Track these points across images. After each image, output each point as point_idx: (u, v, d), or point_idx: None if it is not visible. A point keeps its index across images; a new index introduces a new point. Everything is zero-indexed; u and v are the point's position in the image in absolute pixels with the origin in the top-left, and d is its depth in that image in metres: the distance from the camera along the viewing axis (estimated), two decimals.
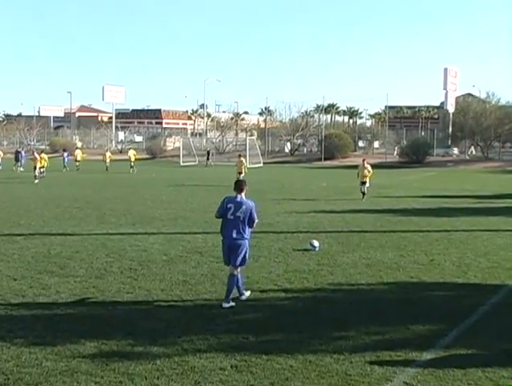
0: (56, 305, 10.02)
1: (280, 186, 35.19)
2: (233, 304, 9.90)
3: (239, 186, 10.26)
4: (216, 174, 47.31)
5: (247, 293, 10.36)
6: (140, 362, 7.54)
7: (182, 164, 62.50)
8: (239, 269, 10.18)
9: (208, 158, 62.90)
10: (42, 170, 39.29)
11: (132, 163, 48.79)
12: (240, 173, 34.92)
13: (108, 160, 50.58)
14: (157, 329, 8.81)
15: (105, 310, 9.76)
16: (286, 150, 77.51)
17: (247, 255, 10.17)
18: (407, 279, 12.17)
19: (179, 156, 65.88)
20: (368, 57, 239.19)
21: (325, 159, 67.54)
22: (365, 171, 27.96)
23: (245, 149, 63.29)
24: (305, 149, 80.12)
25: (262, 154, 65.69)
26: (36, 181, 36.42)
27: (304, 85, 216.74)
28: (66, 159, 50.20)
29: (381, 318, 9.47)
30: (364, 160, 29.32)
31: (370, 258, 14.15)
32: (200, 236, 16.83)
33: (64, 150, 52.80)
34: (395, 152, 71.54)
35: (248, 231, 10.08)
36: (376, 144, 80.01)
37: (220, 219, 10.20)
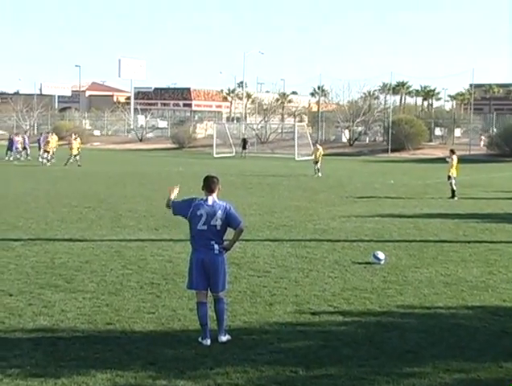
0: (61, 327, 10.10)
1: (337, 184, 35.06)
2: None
3: (209, 184, 9.58)
4: (257, 167, 47.33)
5: (228, 336, 9.66)
6: None
7: (215, 155, 62.77)
8: (224, 293, 9.86)
9: (244, 148, 63.19)
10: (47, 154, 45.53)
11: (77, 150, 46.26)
12: (316, 162, 40.07)
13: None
14: (184, 358, 8.82)
15: (121, 334, 9.81)
16: (344, 140, 77.31)
17: (227, 273, 9.86)
18: (499, 303, 12.00)
19: (211, 146, 66.24)
20: (447, 23, 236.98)
21: (392, 151, 67.15)
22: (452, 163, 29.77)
23: (294, 138, 63.26)
24: (367, 139, 79.83)
25: (313, 144, 65.48)
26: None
27: (367, 60, 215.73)
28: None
29: (465, 352, 9.33)
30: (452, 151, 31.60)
31: (450, 275, 14.03)
32: (238, 244, 16.72)
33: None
34: (482, 142, 70.74)
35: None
36: (457, 132, 79.16)
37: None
